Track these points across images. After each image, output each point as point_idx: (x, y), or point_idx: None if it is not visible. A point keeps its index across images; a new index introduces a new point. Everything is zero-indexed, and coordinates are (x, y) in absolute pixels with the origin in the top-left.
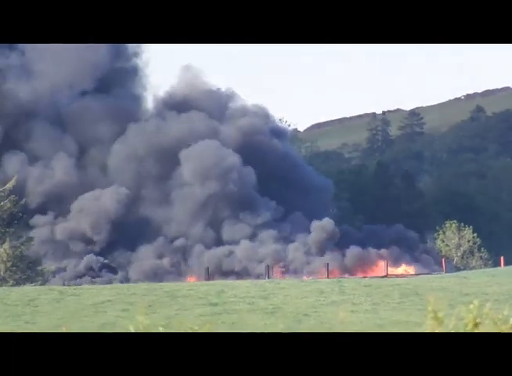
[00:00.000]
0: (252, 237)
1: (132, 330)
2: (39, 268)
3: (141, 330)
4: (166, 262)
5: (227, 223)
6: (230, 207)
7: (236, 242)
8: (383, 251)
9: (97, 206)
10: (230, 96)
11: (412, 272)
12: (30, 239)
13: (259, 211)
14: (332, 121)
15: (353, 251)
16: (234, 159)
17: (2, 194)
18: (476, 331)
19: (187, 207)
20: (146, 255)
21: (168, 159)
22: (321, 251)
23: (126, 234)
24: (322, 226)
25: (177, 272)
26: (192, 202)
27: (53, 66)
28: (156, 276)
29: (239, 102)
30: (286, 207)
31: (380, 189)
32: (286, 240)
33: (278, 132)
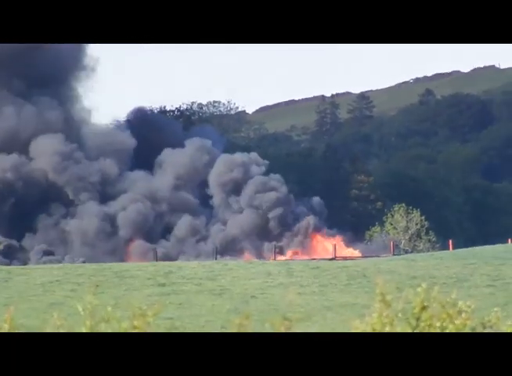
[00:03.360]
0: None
1: (80, 310)
2: None
3: (89, 309)
4: None
5: None
6: None
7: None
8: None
9: None
10: None
11: (360, 255)
12: None
13: None
14: (280, 103)
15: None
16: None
17: None
18: (423, 316)
19: None
20: None
21: None
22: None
23: None
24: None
25: None
26: None
27: None
28: None
29: None
30: None
31: (329, 172)
32: None
33: None
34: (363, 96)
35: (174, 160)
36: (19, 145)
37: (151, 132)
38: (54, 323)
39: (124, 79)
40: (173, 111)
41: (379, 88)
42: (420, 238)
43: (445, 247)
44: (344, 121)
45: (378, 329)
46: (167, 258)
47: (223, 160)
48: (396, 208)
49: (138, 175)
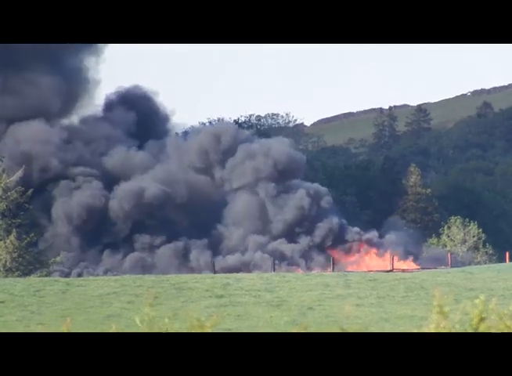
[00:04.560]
0: None
1: (138, 322)
2: (44, 259)
3: (146, 321)
4: None
5: None
6: None
7: None
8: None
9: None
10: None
11: (418, 267)
12: (38, 230)
13: None
14: (338, 115)
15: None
16: None
17: (9, 185)
18: (481, 327)
19: None
20: None
21: None
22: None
23: None
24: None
25: None
26: None
27: None
28: None
29: None
30: None
31: (387, 185)
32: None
33: None
34: (421, 109)
35: None
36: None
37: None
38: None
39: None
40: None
41: (436, 100)
42: (478, 250)
43: (502, 260)
44: (401, 134)
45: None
46: None
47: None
48: (453, 220)
49: None
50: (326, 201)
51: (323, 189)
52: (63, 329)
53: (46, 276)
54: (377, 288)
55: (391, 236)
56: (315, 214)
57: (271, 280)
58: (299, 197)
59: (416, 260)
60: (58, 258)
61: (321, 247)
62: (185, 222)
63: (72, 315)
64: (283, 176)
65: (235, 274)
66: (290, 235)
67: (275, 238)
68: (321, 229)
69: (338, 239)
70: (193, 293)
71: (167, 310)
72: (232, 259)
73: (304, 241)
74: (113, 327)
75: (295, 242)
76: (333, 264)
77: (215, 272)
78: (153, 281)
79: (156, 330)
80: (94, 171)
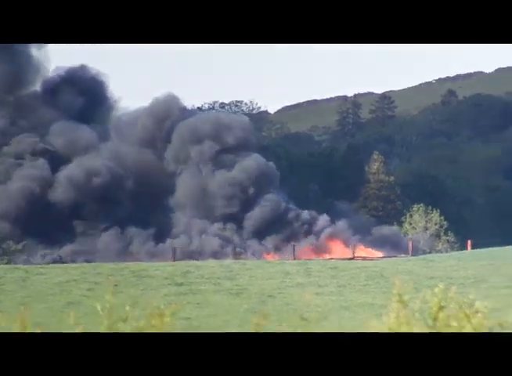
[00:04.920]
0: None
1: (99, 309)
2: (5, 246)
3: (107, 309)
4: None
5: None
6: None
7: None
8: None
9: None
10: None
11: (380, 255)
12: None
13: None
14: (302, 103)
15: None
16: None
17: None
18: (440, 316)
19: None
20: None
21: None
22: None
23: None
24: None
25: None
26: None
27: None
28: None
29: None
30: None
31: (350, 172)
32: None
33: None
34: (385, 96)
35: None
36: None
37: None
38: (70, 323)
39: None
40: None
41: (401, 88)
42: (439, 238)
43: (463, 248)
44: (365, 121)
45: (395, 329)
46: None
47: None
48: (415, 208)
49: None
50: (268, 178)
51: (269, 165)
52: (18, 318)
53: (7, 263)
54: (338, 276)
55: (342, 223)
56: (256, 193)
57: (231, 268)
58: (240, 174)
59: (363, 240)
60: (19, 246)
61: (261, 232)
62: (129, 206)
63: (32, 303)
64: (232, 151)
65: (195, 262)
66: (234, 219)
67: (217, 221)
68: (263, 211)
69: (283, 222)
70: (153, 281)
71: (127, 298)
72: (177, 243)
73: (248, 223)
74: (72, 315)
75: (240, 226)
76: (294, 251)
77: (174, 260)
78: (113, 269)
79: (115, 318)
80: (36, 149)
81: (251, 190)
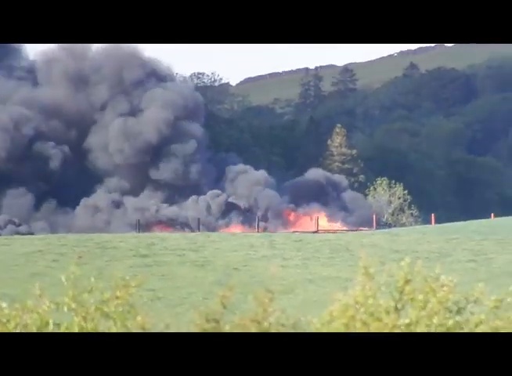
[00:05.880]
0: None
1: (64, 280)
2: None
3: (72, 280)
4: None
5: None
6: None
7: None
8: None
9: None
10: None
11: (342, 228)
12: None
13: None
14: (264, 75)
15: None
16: None
17: None
18: (407, 289)
19: None
20: None
21: None
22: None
23: None
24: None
25: None
26: None
27: None
28: None
29: None
30: None
31: (312, 145)
32: None
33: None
34: (347, 69)
35: None
36: None
37: None
38: (36, 293)
39: None
40: None
41: (363, 61)
42: (403, 212)
43: (427, 222)
44: (327, 94)
45: (361, 301)
46: None
47: None
48: (379, 182)
49: None
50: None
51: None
52: None
53: None
54: (302, 249)
55: None
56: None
57: (196, 240)
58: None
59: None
60: None
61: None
62: None
63: None
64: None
65: (159, 234)
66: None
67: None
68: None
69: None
70: (118, 252)
71: (92, 269)
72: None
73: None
74: (37, 286)
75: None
76: (258, 223)
77: (139, 231)
78: (78, 240)
79: (80, 289)
80: None
81: None
